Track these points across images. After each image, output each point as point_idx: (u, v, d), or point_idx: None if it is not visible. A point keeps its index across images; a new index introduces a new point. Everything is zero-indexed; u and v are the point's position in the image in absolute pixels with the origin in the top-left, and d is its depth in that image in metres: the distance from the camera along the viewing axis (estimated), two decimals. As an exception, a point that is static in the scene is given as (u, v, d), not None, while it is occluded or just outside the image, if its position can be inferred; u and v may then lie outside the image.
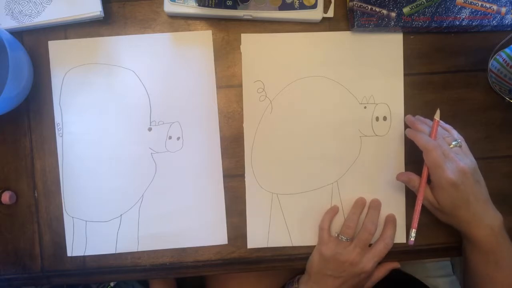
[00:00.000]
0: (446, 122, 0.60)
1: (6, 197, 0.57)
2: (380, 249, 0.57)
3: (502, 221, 0.53)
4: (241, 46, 0.59)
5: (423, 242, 0.60)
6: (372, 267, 0.57)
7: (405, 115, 0.59)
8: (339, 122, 0.60)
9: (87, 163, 0.59)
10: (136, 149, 0.59)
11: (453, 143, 0.53)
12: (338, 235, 0.58)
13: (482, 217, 0.52)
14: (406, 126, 0.59)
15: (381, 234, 0.59)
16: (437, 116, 0.54)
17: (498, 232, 0.52)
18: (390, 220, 0.59)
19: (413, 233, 0.54)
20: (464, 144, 0.55)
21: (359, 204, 0.59)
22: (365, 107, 0.60)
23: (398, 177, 0.56)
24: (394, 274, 0.62)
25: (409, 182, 0.55)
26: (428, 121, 0.56)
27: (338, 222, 0.60)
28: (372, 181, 0.60)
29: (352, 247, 0.57)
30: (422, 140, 0.52)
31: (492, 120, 0.60)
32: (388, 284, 0.63)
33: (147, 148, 0.59)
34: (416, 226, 0.54)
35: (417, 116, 0.57)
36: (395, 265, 0.61)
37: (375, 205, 0.59)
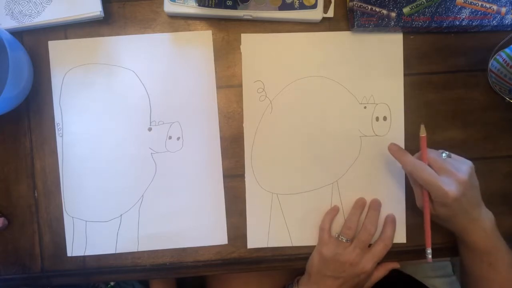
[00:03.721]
0: (446, 122, 0.60)
1: None
2: (380, 249, 0.57)
3: (494, 221, 0.53)
4: (241, 46, 0.59)
5: (422, 242, 0.60)
6: (371, 268, 0.57)
7: (405, 115, 0.59)
8: (339, 122, 0.60)
9: (87, 163, 0.59)
10: (136, 149, 0.59)
11: (443, 155, 0.52)
12: (338, 235, 0.58)
13: (476, 222, 0.52)
14: (406, 127, 0.60)
15: (381, 234, 0.59)
16: (422, 132, 0.52)
17: (491, 232, 0.52)
18: (390, 220, 0.59)
19: (429, 251, 0.53)
20: (452, 154, 0.53)
21: (359, 204, 0.59)
22: (365, 107, 0.60)
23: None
24: (393, 274, 0.62)
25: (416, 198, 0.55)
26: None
27: (338, 223, 0.60)
28: (372, 181, 0.60)
29: (352, 247, 0.57)
30: (407, 163, 0.51)
31: (492, 120, 0.60)
32: (388, 284, 0.63)
33: (147, 148, 0.59)
34: (430, 244, 0.53)
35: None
36: (394, 265, 0.61)
37: (375, 206, 0.59)
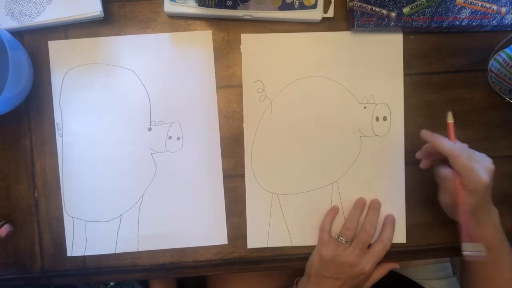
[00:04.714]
0: (446, 122, 0.60)
1: (4, 232, 0.57)
2: (379, 250, 0.57)
3: (499, 216, 0.53)
4: (241, 46, 0.59)
5: (422, 242, 0.60)
6: (371, 268, 0.57)
7: (405, 115, 0.59)
8: (339, 122, 0.60)
9: (87, 163, 0.59)
10: (136, 149, 0.59)
11: None
12: (338, 236, 0.58)
13: (490, 215, 0.52)
14: (406, 127, 0.59)
15: (379, 235, 0.59)
16: (450, 119, 0.52)
17: (498, 228, 0.52)
18: (389, 221, 0.59)
19: (470, 247, 0.50)
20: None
21: (359, 204, 0.59)
22: (365, 107, 0.60)
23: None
24: (393, 276, 0.62)
25: (443, 178, 0.52)
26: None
27: (338, 223, 0.60)
28: (372, 181, 0.60)
29: (351, 248, 0.57)
30: (446, 145, 0.49)
31: (492, 120, 0.60)
32: (387, 286, 0.63)
33: (147, 148, 0.59)
34: (468, 240, 0.50)
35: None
36: (394, 265, 0.61)
37: (375, 206, 0.59)
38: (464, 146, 0.52)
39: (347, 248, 0.57)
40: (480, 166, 0.49)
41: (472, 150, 0.52)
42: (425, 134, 0.53)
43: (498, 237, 0.52)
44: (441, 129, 0.60)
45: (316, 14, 0.57)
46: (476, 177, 0.48)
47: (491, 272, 0.53)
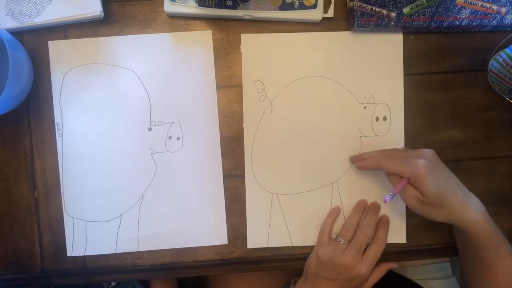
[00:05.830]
0: (446, 122, 0.60)
1: None
2: (373, 251, 0.57)
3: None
4: (241, 46, 0.59)
5: (422, 242, 0.61)
6: (367, 270, 0.57)
7: (405, 115, 0.59)
8: (339, 122, 0.60)
9: (87, 163, 0.59)
10: (136, 149, 0.59)
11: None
12: (336, 237, 0.58)
13: (470, 199, 0.52)
14: (406, 126, 0.60)
15: (374, 236, 0.58)
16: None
17: (486, 214, 0.52)
18: (383, 221, 0.59)
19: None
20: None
21: (361, 206, 0.59)
22: (365, 107, 0.60)
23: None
24: (392, 276, 0.62)
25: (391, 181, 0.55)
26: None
27: (337, 223, 0.60)
28: (372, 181, 0.60)
29: (348, 250, 0.57)
30: (368, 164, 0.55)
31: (492, 120, 0.60)
32: (386, 286, 0.63)
33: (147, 148, 0.59)
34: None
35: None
36: (391, 265, 0.61)
37: (374, 209, 0.59)
38: (392, 151, 0.55)
39: (344, 250, 0.57)
40: (409, 157, 0.52)
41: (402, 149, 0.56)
42: (352, 160, 0.58)
43: (490, 223, 0.52)
44: (441, 129, 0.60)
45: (316, 14, 0.57)
46: (411, 165, 0.51)
47: (494, 261, 0.52)
